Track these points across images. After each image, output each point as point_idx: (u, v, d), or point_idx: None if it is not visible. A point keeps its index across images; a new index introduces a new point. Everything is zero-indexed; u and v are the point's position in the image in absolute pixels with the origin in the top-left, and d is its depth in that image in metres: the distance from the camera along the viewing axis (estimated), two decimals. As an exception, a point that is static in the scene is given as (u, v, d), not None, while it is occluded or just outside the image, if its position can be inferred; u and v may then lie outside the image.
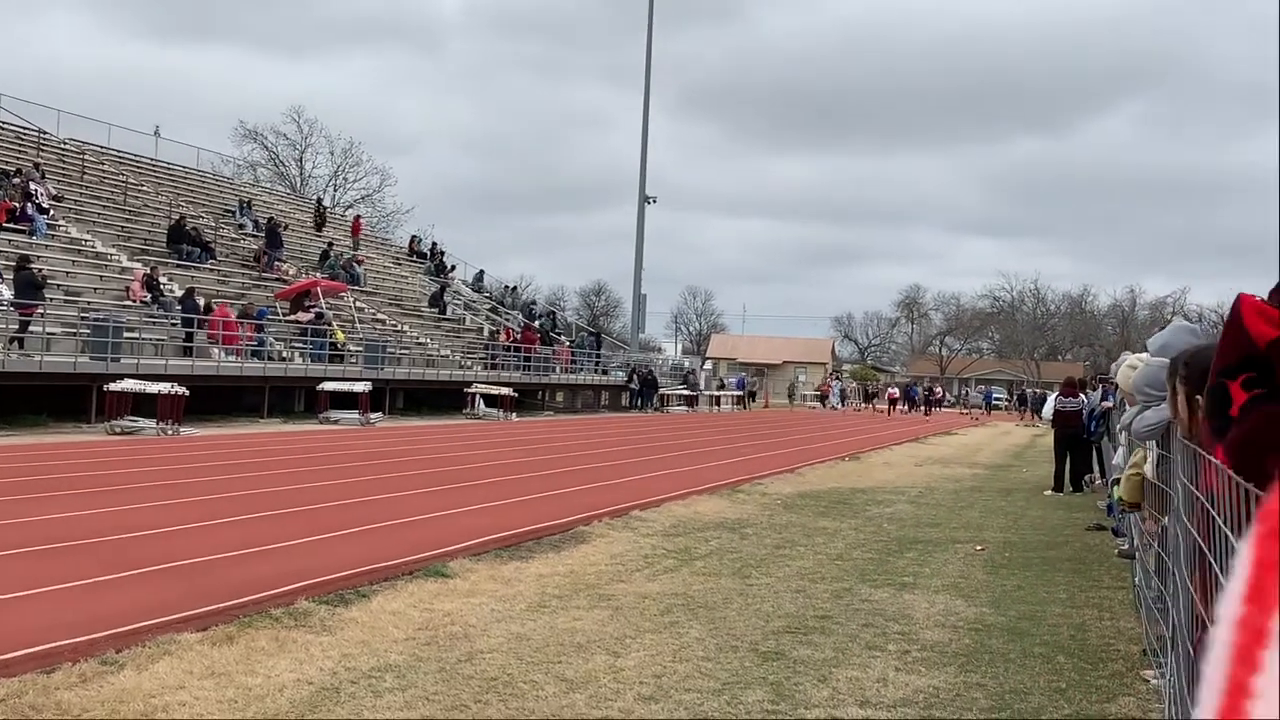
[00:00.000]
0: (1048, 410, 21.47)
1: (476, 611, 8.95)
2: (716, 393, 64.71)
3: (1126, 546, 12.35)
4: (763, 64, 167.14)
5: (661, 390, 56.84)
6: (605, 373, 57.23)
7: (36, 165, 38.58)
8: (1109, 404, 17.92)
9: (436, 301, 52.81)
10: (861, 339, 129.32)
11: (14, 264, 27.97)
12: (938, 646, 8.44)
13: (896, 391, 74.32)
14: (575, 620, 8.80)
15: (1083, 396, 21.31)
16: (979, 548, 13.78)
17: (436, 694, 6.70)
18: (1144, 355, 7.27)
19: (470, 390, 39.86)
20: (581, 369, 55.30)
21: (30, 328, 27.01)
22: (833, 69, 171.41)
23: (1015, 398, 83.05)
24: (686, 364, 74.80)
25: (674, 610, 9.30)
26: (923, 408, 73.61)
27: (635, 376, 55.94)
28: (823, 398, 76.82)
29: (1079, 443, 21.46)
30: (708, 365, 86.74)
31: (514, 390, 40.94)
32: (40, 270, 28.30)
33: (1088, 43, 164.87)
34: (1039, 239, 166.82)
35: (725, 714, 6.64)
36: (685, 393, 58.75)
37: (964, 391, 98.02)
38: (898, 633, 8.83)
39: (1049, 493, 21.08)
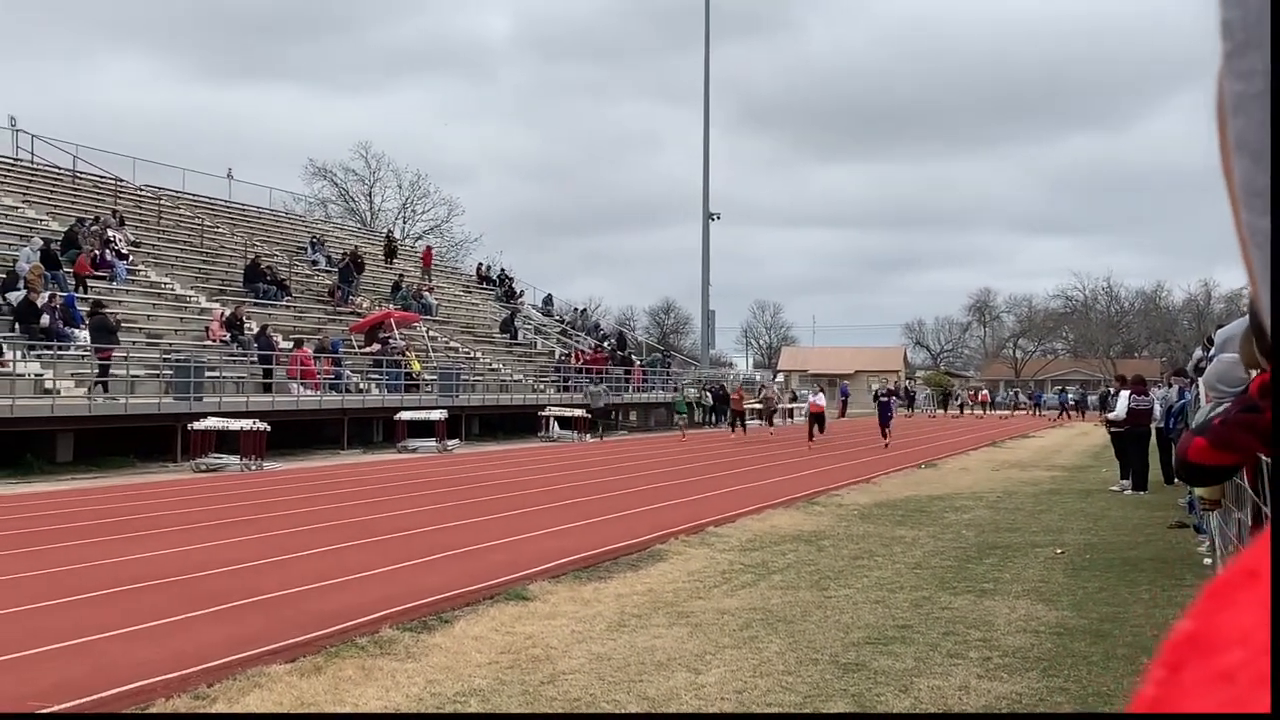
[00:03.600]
0: (1122, 407, 21.05)
1: (557, 633, 9.05)
2: (790, 405, 64.48)
3: (1205, 546, 12.24)
4: (815, 74, 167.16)
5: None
6: (677, 390, 57.27)
7: (114, 212, 39.43)
8: (1184, 400, 17.71)
9: (507, 327, 53.22)
10: (934, 345, 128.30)
11: (88, 309, 28.59)
12: (1020, 652, 8.42)
13: (821, 402, 39.89)
14: (655, 638, 8.87)
15: (1152, 393, 21.10)
16: (1059, 550, 13.68)
17: (521, 717, 6.81)
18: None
19: (544, 413, 40.09)
20: (654, 388, 55.39)
21: (111, 371, 27.57)
22: (885, 75, 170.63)
23: (1058, 398, 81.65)
24: (758, 378, 74.60)
25: (753, 625, 9.34)
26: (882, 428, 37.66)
27: (708, 392, 56.00)
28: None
29: (1149, 440, 21.27)
30: (779, 378, 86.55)
31: (587, 411, 41.13)
32: (114, 315, 28.89)
33: (1138, 38, 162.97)
34: (1106, 236, 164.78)
35: (807, 726, 6.69)
36: (758, 407, 58.68)
37: (1019, 394, 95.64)
38: (979, 640, 8.81)
39: (1129, 492, 20.84)
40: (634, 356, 58.60)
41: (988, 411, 77.17)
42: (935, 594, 10.78)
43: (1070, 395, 78.02)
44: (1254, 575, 0.44)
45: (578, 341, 56.63)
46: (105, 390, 26.98)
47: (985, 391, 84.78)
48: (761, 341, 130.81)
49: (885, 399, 40.01)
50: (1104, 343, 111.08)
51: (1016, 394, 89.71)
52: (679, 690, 7.38)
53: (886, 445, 35.62)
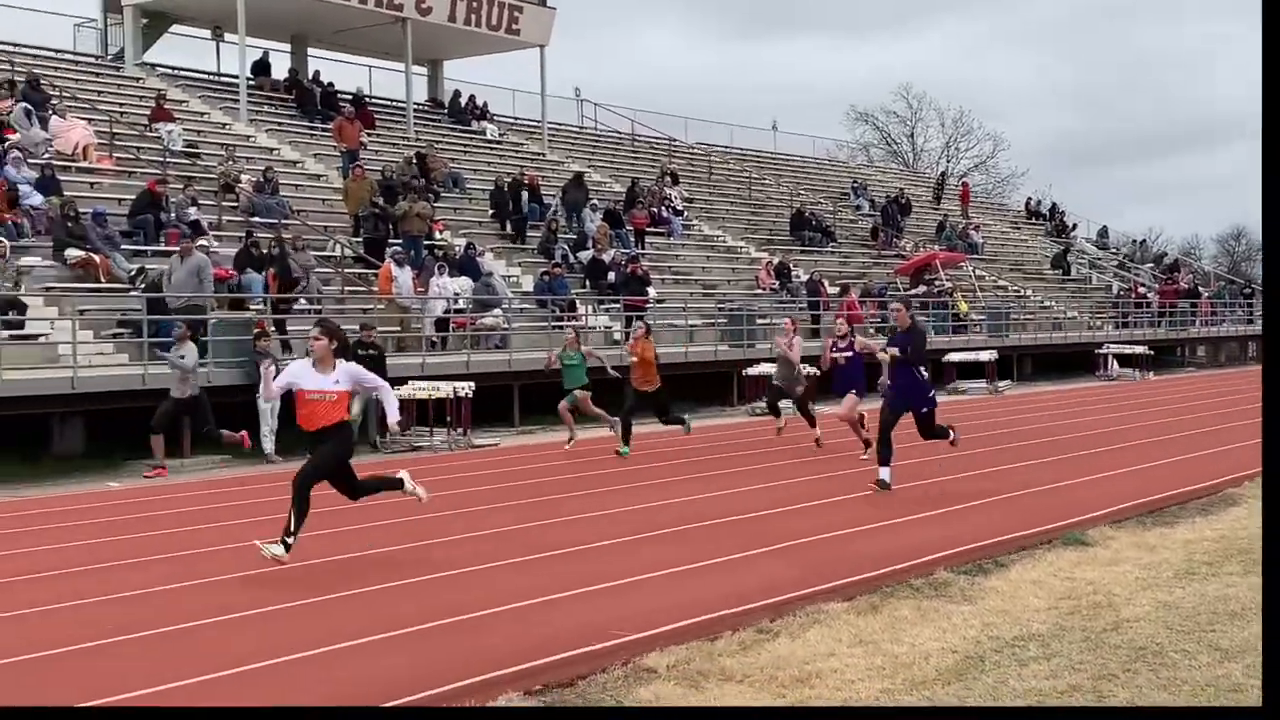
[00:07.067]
0: None
1: (1120, 580, 8.70)
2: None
3: None
4: None
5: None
6: (1251, 323, 52.91)
7: (669, 171, 41.69)
8: None
9: (1059, 263, 51.36)
10: None
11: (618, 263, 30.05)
12: None
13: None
14: (1228, 587, 8.33)
15: None
16: None
17: (1083, 663, 6.61)
18: None
19: (1101, 351, 38.42)
20: (1224, 321, 51.55)
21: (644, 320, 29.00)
22: None
23: None
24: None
25: (1344, 577, 8.52)
26: None
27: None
28: None
29: None
30: None
31: (1149, 348, 38.97)
32: (643, 268, 30.06)
33: None
34: None
35: None
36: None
37: None
38: None
39: None
40: (1200, 288, 54.72)
41: None
42: None
43: None
44: None
45: (1136, 275, 53.69)
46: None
47: None
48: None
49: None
50: None
51: None
52: (1253, 641, 6.88)
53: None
